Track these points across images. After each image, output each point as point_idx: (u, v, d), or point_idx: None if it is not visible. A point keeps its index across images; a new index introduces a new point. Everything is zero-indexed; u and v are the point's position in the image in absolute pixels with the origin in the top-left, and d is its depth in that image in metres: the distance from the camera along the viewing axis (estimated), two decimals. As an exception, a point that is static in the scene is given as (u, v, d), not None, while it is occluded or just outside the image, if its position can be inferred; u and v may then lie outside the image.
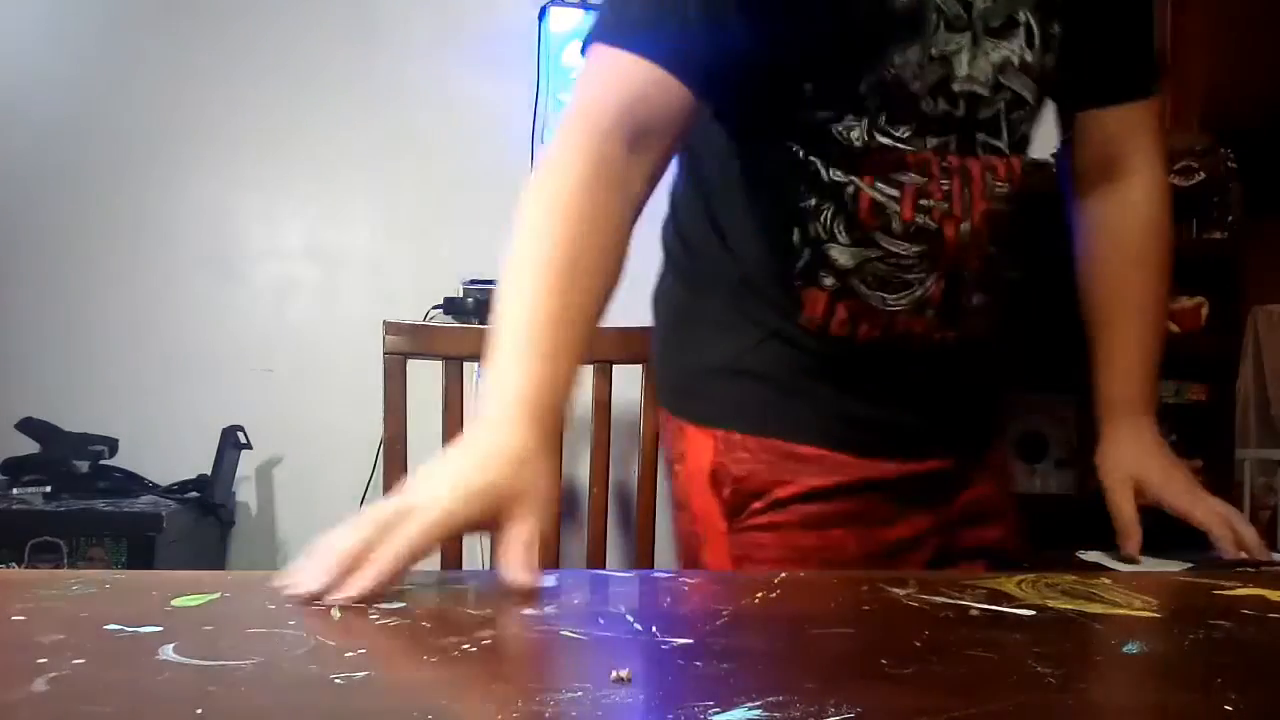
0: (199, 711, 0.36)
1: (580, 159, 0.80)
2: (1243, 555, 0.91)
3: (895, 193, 0.92)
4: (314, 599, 0.55)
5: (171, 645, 0.45)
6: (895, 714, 0.38)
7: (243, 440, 2.20)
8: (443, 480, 0.64)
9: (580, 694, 0.38)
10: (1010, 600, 0.59)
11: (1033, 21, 0.92)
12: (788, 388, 0.96)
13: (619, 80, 0.83)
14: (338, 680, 0.41)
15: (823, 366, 0.96)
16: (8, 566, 1.85)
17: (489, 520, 0.63)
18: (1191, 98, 2.37)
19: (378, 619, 0.52)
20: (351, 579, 0.57)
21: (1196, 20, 2.38)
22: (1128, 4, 1.02)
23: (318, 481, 2.26)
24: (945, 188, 0.92)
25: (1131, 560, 0.93)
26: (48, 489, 2.03)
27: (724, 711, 0.36)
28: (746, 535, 0.95)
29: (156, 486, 2.14)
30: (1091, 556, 0.94)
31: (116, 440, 2.15)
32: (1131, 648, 0.50)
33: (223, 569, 2.23)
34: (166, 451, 2.24)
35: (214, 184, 2.38)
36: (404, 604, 0.55)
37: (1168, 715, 0.40)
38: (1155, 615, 0.58)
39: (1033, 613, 0.57)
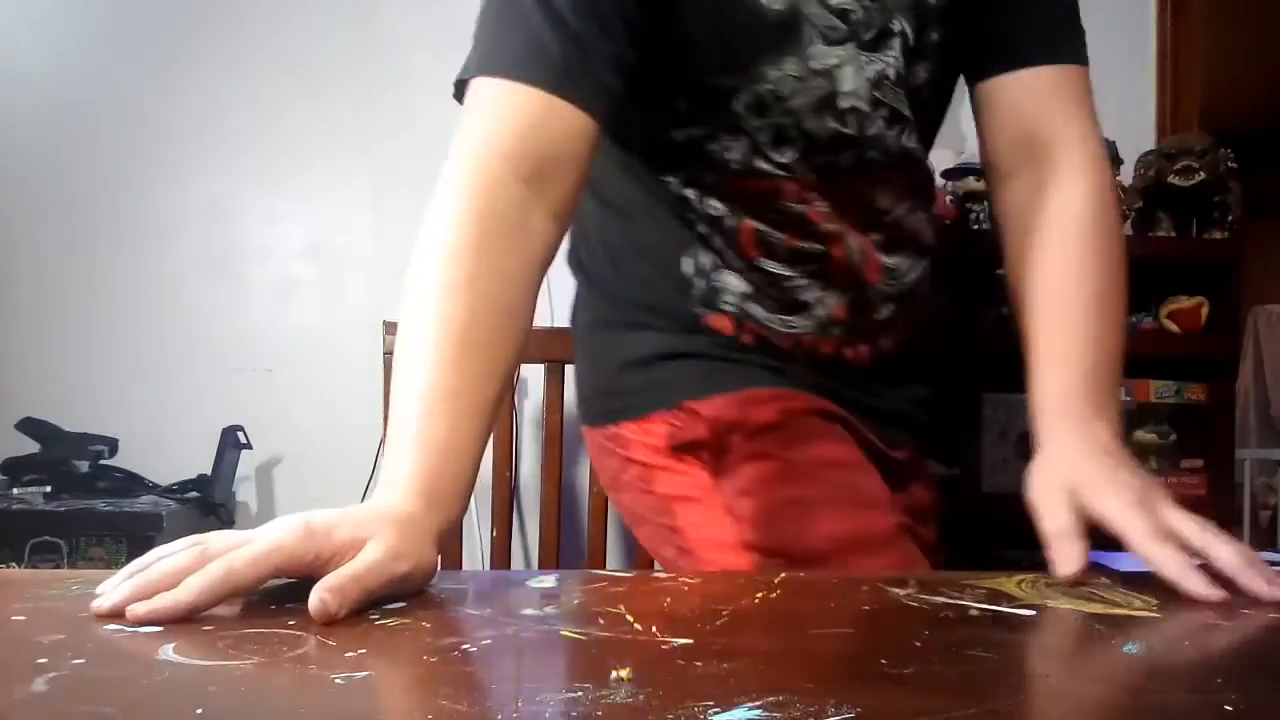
0: (199, 711, 0.36)
1: (470, 212, 0.72)
2: (1210, 597, 0.60)
3: (777, 218, 0.89)
4: (115, 614, 0.50)
5: (171, 645, 0.45)
6: (895, 714, 0.38)
7: (243, 440, 2.20)
8: (292, 519, 0.57)
9: (580, 694, 0.38)
10: (1010, 600, 0.59)
11: (908, 30, 0.86)
12: (728, 359, 0.93)
13: (509, 114, 0.75)
14: (338, 680, 0.41)
15: (754, 358, 0.94)
16: (8, 566, 1.84)
17: (322, 562, 0.55)
18: (1191, 98, 2.37)
19: (378, 619, 0.52)
20: (160, 597, 0.51)
21: (1196, 20, 2.38)
22: None
23: (318, 481, 2.26)
24: (825, 209, 0.88)
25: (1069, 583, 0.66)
26: (48, 489, 2.03)
27: (724, 711, 0.36)
28: (736, 478, 0.90)
29: (156, 486, 2.14)
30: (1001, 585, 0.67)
31: (116, 440, 2.16)
32: (1131, 648, 0.50)
33: (223, 569, 2.22)
34: (166, 451, 2.24)
35: (214, 184, 2.38)
36: (404, 604, 0.55)
37: (1168, 715, 0.40)
38: (1155, 615, 0.58)
39: (1033, 613, 0.57)
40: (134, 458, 2.17)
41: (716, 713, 0.36)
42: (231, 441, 2.19)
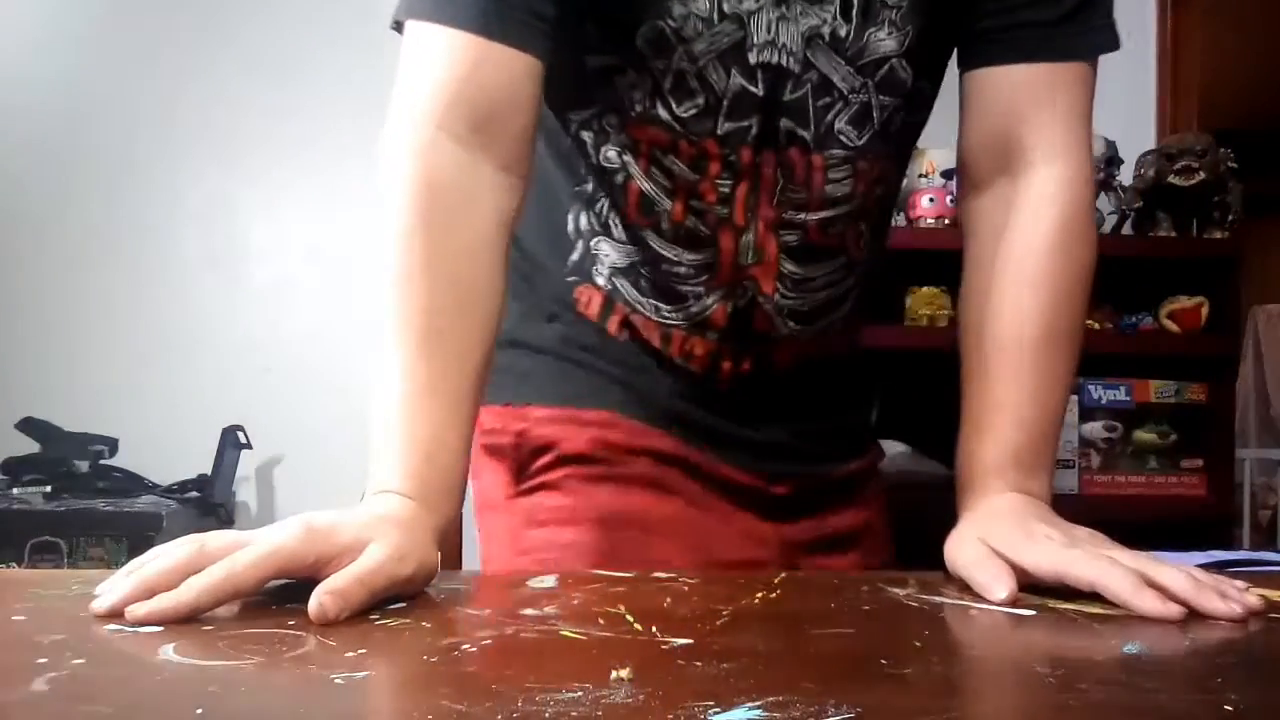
0: (199, 711, 0.36)
1: (413, 191, 0.68)
2: (1167, 614, 0.55)
3: (668, 184, 0.78)
4: (114, 613, 0.50)
5: (171, 645, 0.45)
6: (895, 714, 0.38)
7: (243, 440, 2.21)
8: (293, 521, 0.55)
9: (580, 694, 0.38)
10: (1014, 601, 0.59)
11: None
12: (574, 360, 0.84)
13: (440, 64, 0.69)
14: (338, 680, 0.41)
15: (609, 357, 0.84)
16: (8, 566, 1.85)
17: (323, 563, 0.54)
18: (1191, 98, 2.37)
19: (378, 619, 0.52)
20: (160, 598, 0.50)
21: (1195, 19, 2.38)
22: None
23: (318, 481, 2.26)
24: (723, 188, 0.77)
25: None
26: (48, 489, 2.03)
27: (724, 711, 0.36)
28: (530, 498, 0.83)
29: (156, 486, 2.14)
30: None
31: (116, 440, 2.16)
32: (1131, 648, 0.50)
33: (223, 569, 2.23)
34: (166, 451, 2.24)
35: (215, 184, 2.38)
36: (404, 604, 0.55)
37: (1167, 715, 0.40)
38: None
39: (1033, 613, 0.57)
40: (134, 458, 2.18)
41: (716, 713, 0.36)
42: (231, 441, 2.19)
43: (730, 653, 0.46)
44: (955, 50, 0.81)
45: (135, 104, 2.37)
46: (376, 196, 0.69)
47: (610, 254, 0.82)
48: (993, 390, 0.75)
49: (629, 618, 0.52)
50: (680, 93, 0.75)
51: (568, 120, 0.80)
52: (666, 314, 0.82)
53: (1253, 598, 0.57)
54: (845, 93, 0.76)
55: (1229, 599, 0.56)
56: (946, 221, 2.04)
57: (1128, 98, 2.26)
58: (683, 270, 0.80)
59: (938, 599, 0.60)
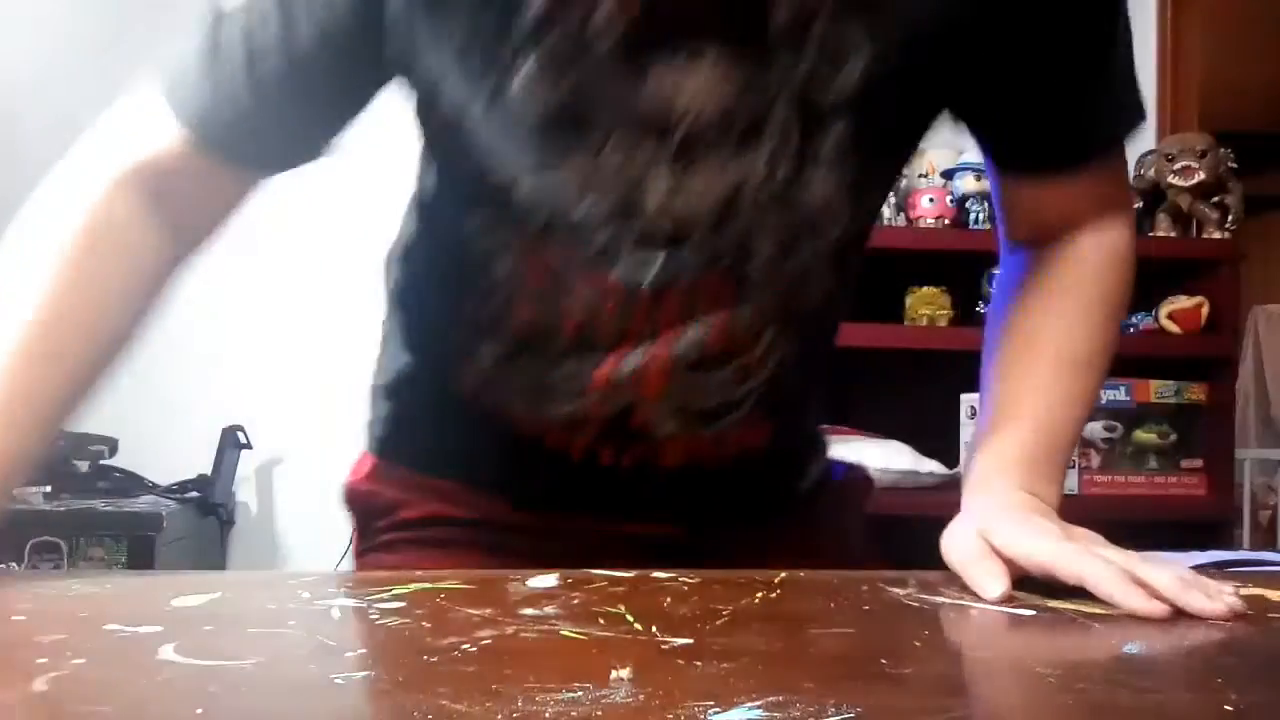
0: (199, 711, 0.36)
1: (82, 215, 0.68)
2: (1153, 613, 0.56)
3: (558, 308, 0.72)
4: None
5: (171, 645, 0.45)
6: (895, 714, 0.38)
7: (243, 440, 2.21)
8: None
9: (580, 694, 0.38)
10: (1010, 600, 0.59)
11: (794, 129, 0.64)
12: (437, 425, 0.83)
13: (152, 144, 0.70)
14: (338, 680, 0.41)
15: (479, 429, 0.79)
16: (8, 566, 1.85)
17: None
18: (1191, 98, 2.37)
19: (378, 619, 0.52)
20: None
21: (1195, 20, 2.38)
22: (1060, 43, 0.69)
23: (318, 481, 2.26)
24: (619, 319, 0.71)
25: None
26: (48, 489, 2.03)
27: (724, 711, 0.36)
28: (368, 558, 0.83)
29: (156, 486, 2.14)
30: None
31: (116, 440, 2.16)
32: (1131, 648, 0.50)
33: (223, 569, 2.23)
34: (166, 451, 2.24)
35: (214, 184, 2.38)
36: (404, 604, 0.55)
37: (1168, 715, 0.40)
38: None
39: (1032, 613, 0.57)
40: (134, 458, 2.18)
41: (716, 713, 0.36)
42: (231, 441, 2.19)
43: (730, 653, 0.46)
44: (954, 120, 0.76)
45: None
46: (29, 202, 0.69)
47: (492, 351, 0.77)
48: (1017, 397, 0.75)
49: (629, 618, 0.52)
50: (573, 244, 0.69)
51: (462, 224, 0.75)
52: (542, 412, 0.77)
53: (1236, 599, 0.57)
54: (765, 246, 0.69)
55: (1213, 599, 0.56)
56: (946, 222, 2.04)
57: (1128, 98, 2.26)
58: (561, 378, 0.75)
59: (937, 599, 0.60)
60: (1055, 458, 0.73)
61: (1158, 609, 0.55)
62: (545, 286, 0.72)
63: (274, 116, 0.69)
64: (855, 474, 0.97)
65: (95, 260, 0.68)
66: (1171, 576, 0.57)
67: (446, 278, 0.78)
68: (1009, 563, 0.61)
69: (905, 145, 0.75)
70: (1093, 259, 0.77)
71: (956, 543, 0.65)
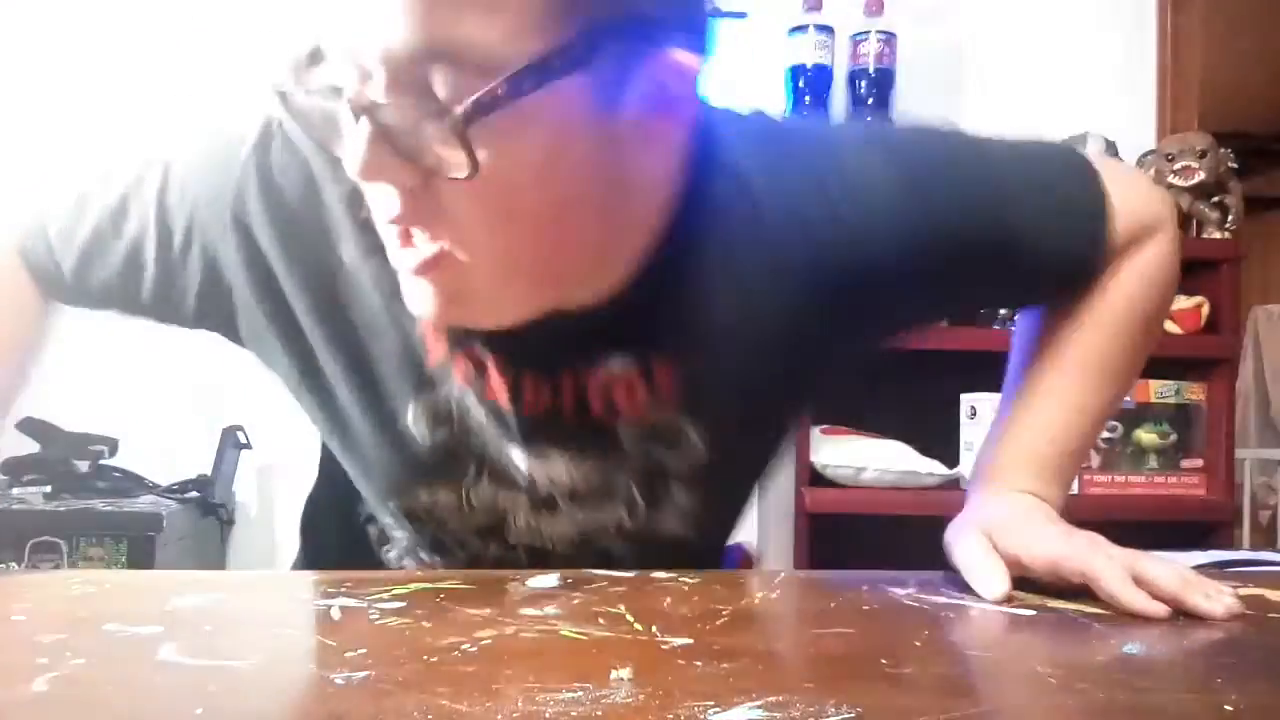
0: (199, 711, 0.36)
1: None
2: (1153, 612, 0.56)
3: (450, 550, 0.76)
4: None
5: (172, 645, 0.45)
6: (895, 714, 0.38)
7: (243, 440, 2.20)
8: None
9: (580, 694, 0.38)
10: (1010, 600, 0.59)
11: (636, 494, 0.70)
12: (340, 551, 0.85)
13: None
14: (338, 680, 0.41)
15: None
16: (8, 566, 1.84)
17: None
18: (1191, 98, 2.37)
19: (378, 619, 0.52)
20: None
21: (1196, 20, 2.38)
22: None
23: (318, 481, 2.26)
24: (508, 553, 0.74)
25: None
26: (48, 489, 2.03)
27: (724, 711, 0.36)
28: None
29: (156, 486, 2.14)
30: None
31: (116, 440, 2.15)
32: (1131, 648, 0.50)
33: (223, 569, 2.23)
34: (166, 451, 2.24)
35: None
36: (404, 604, 0.55)
37: (1168, 715, 0.40)
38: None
39: (1033, 613, 0.57)
40: (134, 458, 2.17)
41: (716, 712, 0.36)
42: (231, 441, 2.19)
43: (730, 653, 0.46)
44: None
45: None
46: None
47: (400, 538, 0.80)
48: (1033, 400, 0.75)
49: (629, 618, 0.52)
50: (437, 549, 0.75)
51: (347, 482, 0.79)
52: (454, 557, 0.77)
53: (1235, 600, 0.57)
54: (628, 554, 0.73)
55: (1212, 599, 0.56)
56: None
57: (1128, 98, 2.26)
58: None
59: (938, 599, 0.60)
60: (1064, 462, 0.74)
61: (1158, 609, 0.56)
62: (434, 540, 0.76)
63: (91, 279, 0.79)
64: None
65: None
66: (1173, 574, 0.58)
67: (341, 502, 0.83)
68: (1011, 563, 0.62)
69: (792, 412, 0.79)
70: (1125, 275, 0.78)
71: (959, 541, 0.66)
